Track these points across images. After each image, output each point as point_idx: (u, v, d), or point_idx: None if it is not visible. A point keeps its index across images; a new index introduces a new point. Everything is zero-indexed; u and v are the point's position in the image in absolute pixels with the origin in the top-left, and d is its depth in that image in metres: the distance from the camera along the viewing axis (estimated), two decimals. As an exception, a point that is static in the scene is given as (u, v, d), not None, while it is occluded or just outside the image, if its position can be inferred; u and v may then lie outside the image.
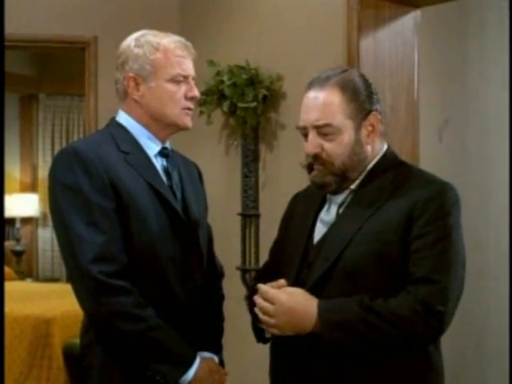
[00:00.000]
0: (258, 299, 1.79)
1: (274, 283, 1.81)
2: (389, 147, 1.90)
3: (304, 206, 1.98)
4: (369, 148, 1.84)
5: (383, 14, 3.31)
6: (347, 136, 1.80)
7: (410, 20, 3.38)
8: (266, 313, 1.76)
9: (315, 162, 1.81)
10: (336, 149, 1.79)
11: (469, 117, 4.14)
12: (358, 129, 1.81)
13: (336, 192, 1.85)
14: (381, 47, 3.30)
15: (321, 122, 1.79)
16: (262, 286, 1.79)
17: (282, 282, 1.81)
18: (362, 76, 1.88)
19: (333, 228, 1.83)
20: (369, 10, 3.26)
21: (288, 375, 1.84)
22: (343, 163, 1.80)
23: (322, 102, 1.80)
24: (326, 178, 1.81)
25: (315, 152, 1.80)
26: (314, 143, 1.80)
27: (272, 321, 1.75)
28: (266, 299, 1.77)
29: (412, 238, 1.72)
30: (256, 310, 1.80)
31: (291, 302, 1.74)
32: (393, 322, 1.68)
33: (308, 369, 1.78)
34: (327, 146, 1.80)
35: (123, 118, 2.04)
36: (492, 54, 4.04)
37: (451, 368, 3.76)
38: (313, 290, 1.77)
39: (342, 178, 1.82)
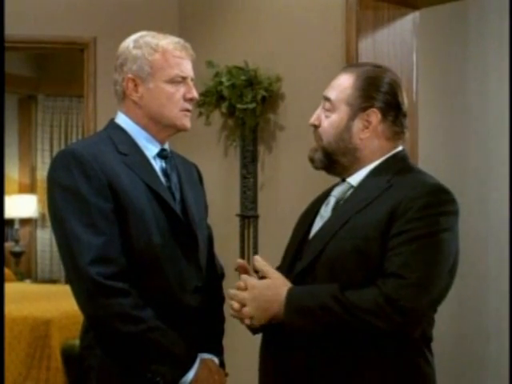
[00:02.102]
0: (231, 290, 1.82)
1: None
2: (402, 150, 1.90)
3: (314, 204, 2.00)
4: (360, 142, 1.84)
5: (382, 16, 3.31)
6: (338, 118, 1.85)
7: (408, 21, 3.39)
8: (239, 302, 1.79)
9: (314, 133, 1.91)
10: (327, 127, 1.87)
11: (468, 117, 4.15)
12: (351, 117, 1.84)
13: (331, 172, 1.92)
14: (379, 48, 3.30)
15: (326, 94, 1.89)
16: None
17: (257, 257, 1.85)
18: (392, 78, 1.87)
19: (325, 223, 1.85)
20: (368, 11, 3.26)
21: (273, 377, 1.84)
22: (329, 144, 1.86)
23: (337, 82, 1.89)
24: (315, 154, 1.90)
25: (313, 122, 1.90)
26: (317, 114, 1.91)
27: (246, 309, 1.77)
28: (239, 287, 1.81)
29: (391, 236, 1.70)
30: (230, 304, 1.82)
31: (262, 287, 1.77)
32: (353, 313, 1.67)
33: (292, 372, 1.78)
34: (323, 122, 1.88)
35: (122, 119, 2.04)
36: (492, 55, 4.04)
37: (451, 369, 3.77)
38: (296, 283, 1.79)
39: (329, 160, 1.87)
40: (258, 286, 1.78)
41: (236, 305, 1.80)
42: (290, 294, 1.74)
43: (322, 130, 1.88)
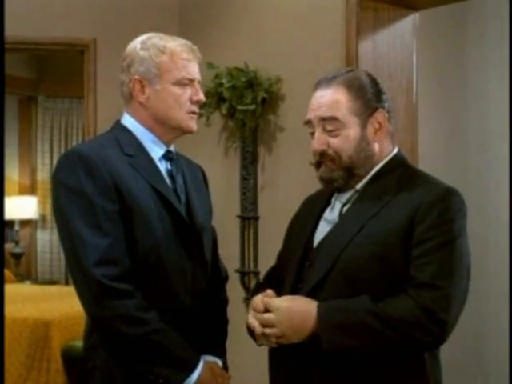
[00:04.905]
0: (255, 315, 1.78)
1: (263, 293, 1.82)
2: (399, 151, 1.90)
3: (310, 207, 1.98)
4: (376, 146, 1.83)
5: (382, 17, 3.32)
6: (352, 132, 1.81)
7: (408, 23, 3.39)
8: (266, 324, 1.75)
9: (323, 159, 1.82)
10: (342, 144, 1.80)
11: (468, 117, 4.15)
12: (363, 126, 1.82)
13: (342, 189, 1.86)
14: (380, 50, 3.30)
15: (327, 114, 1.80)
16: (255, 301, 1.81)
17: (269, 292, 1.82)
18: (369, 75, 1.89)
19: (335, 228, 1.82)
20: (368, 12, 3.27)
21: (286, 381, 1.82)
22: (350, 158, 1.80)
23: (327, 99, 1.82)
24: (333, 174, 1.82)
25: (322, 149, 1.82)
26: (320, 140, 1.82)
27: (274, 330, 1.73)
28: (256, 309, 1.77)
29: (414, 244, 1.69)
30: (252, 325, 1.78)
31: (290, 306, 1.74)
32: (393, 327, 1.65)
33: (305, 376, 1.77)
34: (333, 141, 1.81)
35: (128, 120, 2.03)
36: (491, 56, 4.05)
37: (451, 369, 3.77)
38: (311, 291, 1.77)
39: (349, 174, 1.82)
40: (285, 307, 1.74)
41: (259, 328, 1.76)
42: (320, 310, 1.71)
43: (335, 149, 1.80)
